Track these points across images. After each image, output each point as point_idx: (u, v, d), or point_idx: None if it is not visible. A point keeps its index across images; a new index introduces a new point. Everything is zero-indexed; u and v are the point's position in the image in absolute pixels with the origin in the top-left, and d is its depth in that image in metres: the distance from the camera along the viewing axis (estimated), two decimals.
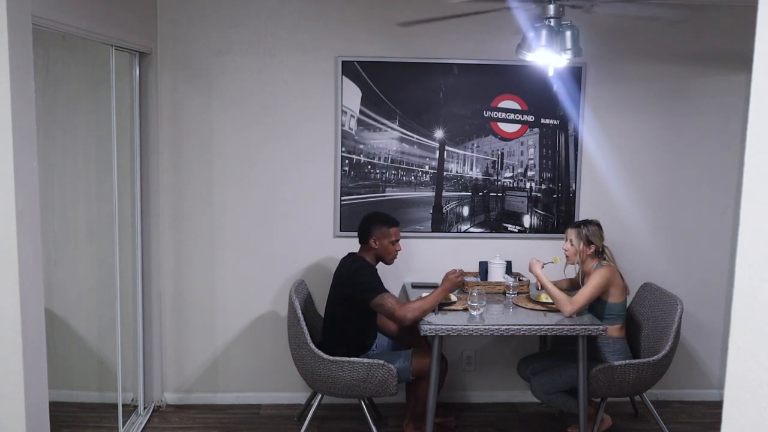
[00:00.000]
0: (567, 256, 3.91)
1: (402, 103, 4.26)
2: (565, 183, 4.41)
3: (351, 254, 3.83)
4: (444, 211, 4.39)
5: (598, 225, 3.86)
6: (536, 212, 4.42)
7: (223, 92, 4.21)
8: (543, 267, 3.79)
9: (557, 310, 3.69)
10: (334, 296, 3.79)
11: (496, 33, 4.22)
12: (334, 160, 4.28)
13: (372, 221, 3.76)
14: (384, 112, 4.26)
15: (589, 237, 3.81)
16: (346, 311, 3.69)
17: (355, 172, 4.30)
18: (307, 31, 4.20)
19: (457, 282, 3.63)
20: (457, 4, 4.03)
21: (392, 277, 4.28)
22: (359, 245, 3.82)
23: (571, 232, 3.86)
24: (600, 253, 3.84)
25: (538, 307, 3.77)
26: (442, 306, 3.74)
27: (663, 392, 4.51)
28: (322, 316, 4.14)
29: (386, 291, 3.60)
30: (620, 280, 3.81)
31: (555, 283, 4.16)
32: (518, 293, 4.02)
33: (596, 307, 3.78)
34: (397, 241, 3.77)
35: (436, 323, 3.50)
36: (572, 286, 4.18)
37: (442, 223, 4.39)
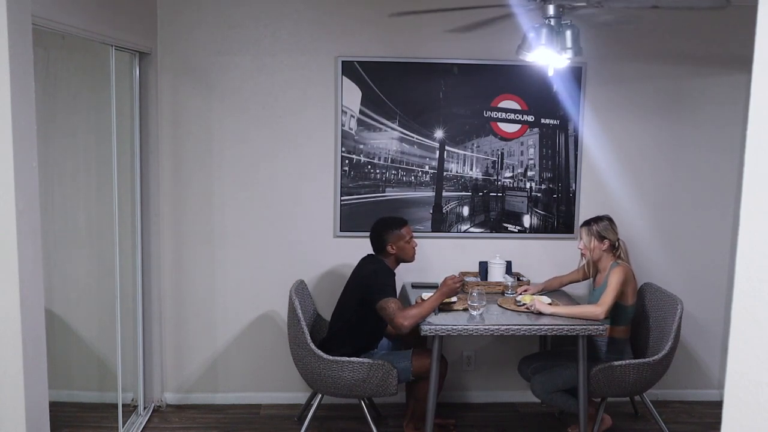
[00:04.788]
0: (582, 254, 3.91)
1: (402, 103, 4.26)
2: (565, 183, 4.41)
3: (371, 255, 3.83)
4: (444, 211, 4.39)
5: (609, 220, 3.87)
6: (536, 212, 4.42)
7: (223, 92, 4.21)
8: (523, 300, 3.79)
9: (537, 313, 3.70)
10: (349, 296, 3.77)
11: (496, 33, 4.22)
12: (334, 160, 4.28)
13: (382, 229, 3.75)
14: (384, 112, 4.26)
15: (600, 232, 3.81)
16: (359, 312, 3.68)
17: (355, 172, 4.30)
18: (307, 31, 4.20)
19: (455, 288, 3.62)
20: (458, 3, 4.03)
21: None
22: (377, 255, 3.80)
23: (582, 230, 3.88)
24: (615, 249, 3.84)
25: (523, 309, 3.74)
26: (442, 306, 3.74)
27: (663, 392, 4.51)
28: (322, 315, 4.15)
29: (394, 297, 3.59)
30: (634, 281, 3.82)
31: (547, 283, 4.16)
32: (516, 293, 4.01)
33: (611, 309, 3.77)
34: (412, 237, 3.78)
35: (436, 323, 3.50)
36: (562, 285, 4.17)
37: (442, 223, 4.39)
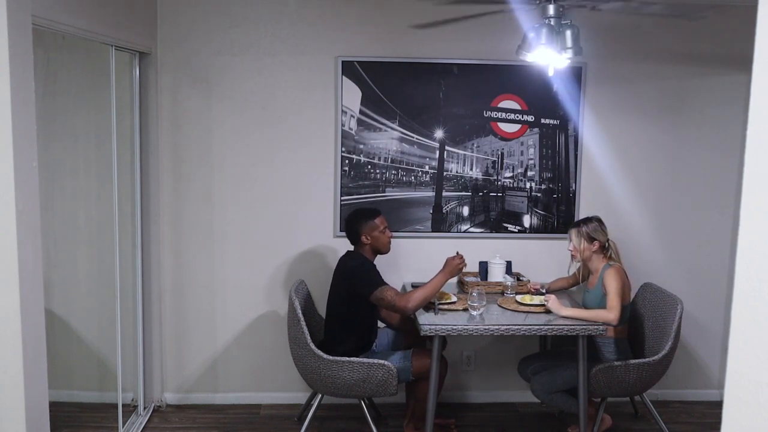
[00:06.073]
0: (573, 256, 3.91)
1: (402, 103, 4.26)
2: (565, 183, 4.41)
3: (349, 252, 3.85)
4: (444, 211, 4.39)
5: (598, 221, 3.86)
6: (536, 212, 4.42)
7: (223, 92, 4.21)
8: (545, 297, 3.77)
9: (540, 312, 3.69)
10: (335, 294, 3.79)
11: (496, 33, 4.22)
12: (334, 160, 4.28)
13: (356, 220, 3.77)
14: (384, 112, 4.26)
15: (590, 234, 3.81)
16: (348, 308, 3.70)
17: (355, 172, 4.30)
18: (307, 31, 4.20)
19: (458, 267, 3.63)
20: (458, 4, 4.03)
21: (392, 277, 4.28)
22: (353, 246, 3.83)
23: (572, 232, 3.87)
24: (606, 249, 3.84)
25: (522, 308, 3.75)
26: (442, 306, 3.75)
27: (663, 392, 4.51)
28: (322, 315, 4.15)
29: (385, 284, 3.61)
30: (628, 280, 3.82)
31: (552, 283, 4.18)
32: (516, 293, 4.01)
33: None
34: (386, 227, 3.78)
35: (436, 323, 3.50)
36: (570, 285, 4.18)
37: (442, 223, 4.39)
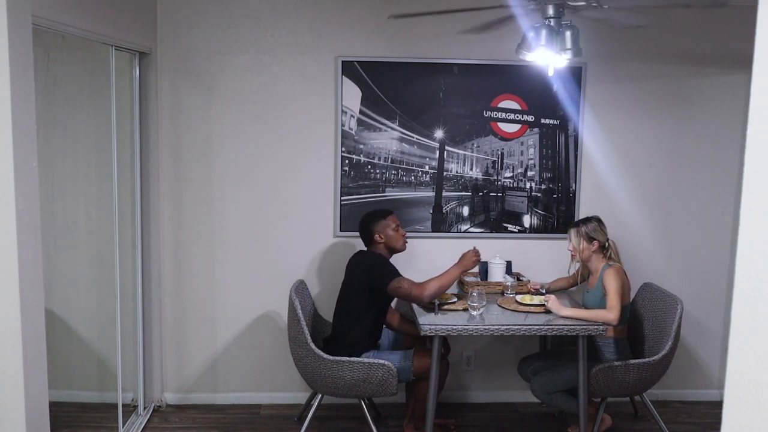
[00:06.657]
0: (572, 256, 3.91)
1: (402, 103, 4.26)
2: (565, 183, 4.41)
3: (362, 250, 3.87)
4: (444, 211, 4.39)
5: (597, 220, 3.86)
6: (536, 212, 4.42)
7: (223, 92, 4.21)
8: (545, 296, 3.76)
9: (540, 312, 3.69)
10: (348, 289, 3.79)
11: (496, 33, 4.22)
12: (334, 160, 4.28)
13: (368, 220, 3.81)
14: (384, 112, 4.26)
15: (589, 234, 3.81)
16: (364, 302, 3.71)
17: (355, 172, 4.30)
18: (307, 31, 4.20)
19: (473, 261, 3.68)
20: (458, 3, 4.03)
21: None
22: (367, 247, 3.84)
23: (571, 232, 3.87)
24: (605, 249, 3.84)
25: (522, 308, 3.75)
26: (442, 306, 3.75)
27: (663, 392, 4.51)
28: (322, 315, 4.15)
29: (401, 276, 3.65)
30: (628, 280, 3.82)
31: (552, 283, 4.18)
32: (516, 293, 4.01)
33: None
34: (399, 226, 3.82)
35: (436, 323, 3.50)
36: (570, 285, 4.18)
37: (442, 223, 4.39)
